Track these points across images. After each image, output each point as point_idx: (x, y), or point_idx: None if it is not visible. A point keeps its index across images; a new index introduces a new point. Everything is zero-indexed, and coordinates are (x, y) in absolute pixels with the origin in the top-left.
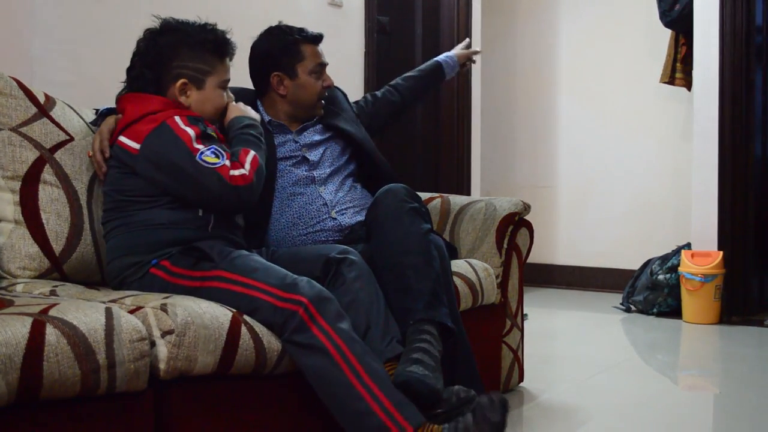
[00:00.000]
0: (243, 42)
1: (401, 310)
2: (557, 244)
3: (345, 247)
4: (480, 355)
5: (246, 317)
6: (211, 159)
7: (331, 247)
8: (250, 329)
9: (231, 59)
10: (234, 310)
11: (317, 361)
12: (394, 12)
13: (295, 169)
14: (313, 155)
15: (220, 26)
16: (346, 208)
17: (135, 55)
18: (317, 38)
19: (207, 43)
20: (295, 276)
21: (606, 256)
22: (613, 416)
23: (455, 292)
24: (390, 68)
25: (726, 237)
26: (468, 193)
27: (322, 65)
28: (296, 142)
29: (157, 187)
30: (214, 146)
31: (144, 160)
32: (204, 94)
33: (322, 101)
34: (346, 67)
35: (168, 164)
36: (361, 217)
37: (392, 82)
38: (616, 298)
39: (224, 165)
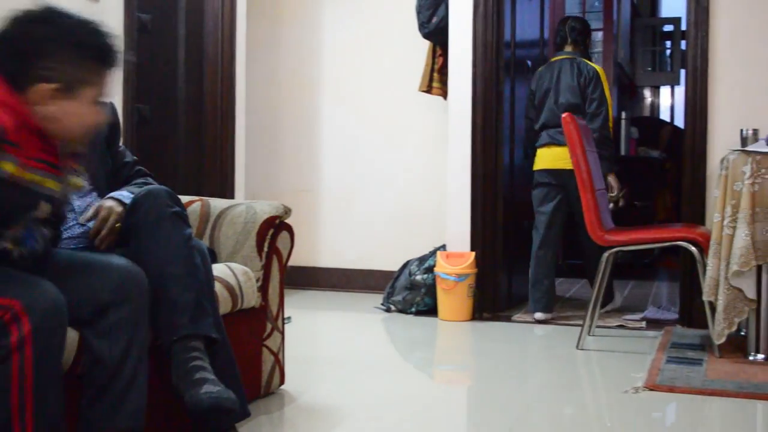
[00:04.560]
0: None
1: (165, 323)
2: (321, 247)
3: (121, 280)
4: (240, 358)
5: None
6: None
7: (105, 275)
8: None
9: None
10: None
11: None
12: (156, 10)
13: None
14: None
15: None
16: None
17: None
18: None
19: (93, 48)
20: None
21: (368, 258)
22: (371, 413)
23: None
24: (151, 68)
25: (477, 238)
26: (232, 197)
27: None
28: None
29: None
30: None
31: None
32: (74, 106)
33: None
34: None
35: None
36: None
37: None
38: (378, 299)
39: None
